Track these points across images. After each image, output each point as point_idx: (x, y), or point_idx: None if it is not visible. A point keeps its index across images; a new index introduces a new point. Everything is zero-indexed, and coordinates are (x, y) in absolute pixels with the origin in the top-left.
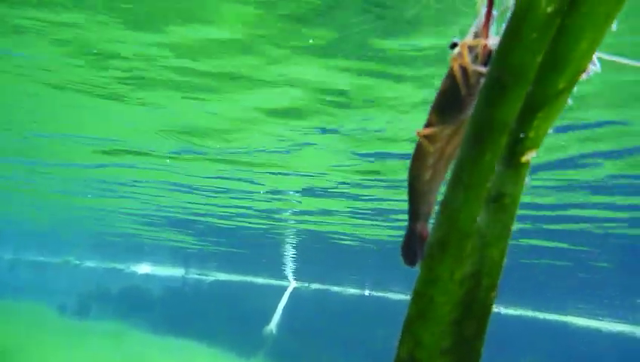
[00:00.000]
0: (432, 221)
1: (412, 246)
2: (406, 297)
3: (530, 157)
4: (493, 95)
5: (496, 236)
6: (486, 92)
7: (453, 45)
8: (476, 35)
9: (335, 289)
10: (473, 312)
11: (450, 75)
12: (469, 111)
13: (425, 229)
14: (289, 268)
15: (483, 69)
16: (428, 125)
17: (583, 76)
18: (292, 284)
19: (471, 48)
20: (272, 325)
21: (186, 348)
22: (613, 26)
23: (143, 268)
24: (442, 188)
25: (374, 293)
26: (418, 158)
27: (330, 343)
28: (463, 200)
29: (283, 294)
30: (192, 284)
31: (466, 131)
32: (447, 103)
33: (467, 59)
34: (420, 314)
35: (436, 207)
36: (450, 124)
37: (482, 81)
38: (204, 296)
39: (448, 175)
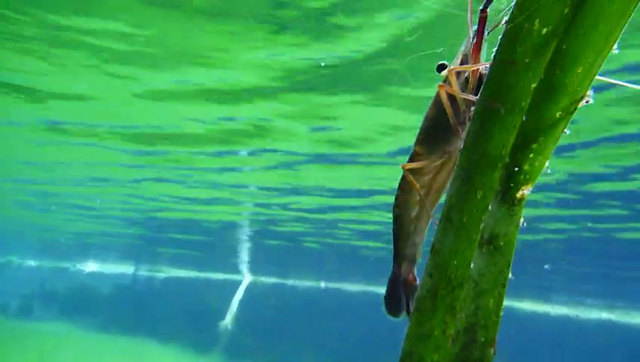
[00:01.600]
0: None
1: (396, 294)
2: (362, 288)
3: (526, 193)
4: (485, 126)
5: (491, 283)
6: (477, 123)
7: (441, 67)
8: (465, 58)
9: (291, 282)
10: None
11: (437, 102)
12: (459, 141)
13: (411, 274)
14: (244, 262)
15: (473, 98)
16: (413, 157)
17: (582, 104)
18: (247, 279)
19: (460, 72)
20: (228, 320)
21: (137, 347)
22: (615, 49)
23: (90, 266)
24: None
25: (330, 285)
26: (403, 194)
27: (286, 336)
28: (454, 244)
29: (238, 289)
30: (144, 282)
31: (456, 166)
32: (434, 133)
33: (456, 86)
34: None
35: (424, 249)
36: (438, 155)
37: (472, 108)
38: (156, 293)
39: (436, 212)
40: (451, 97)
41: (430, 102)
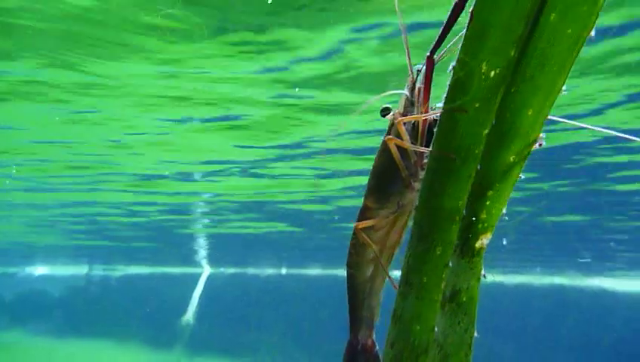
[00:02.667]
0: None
1: None
2: (323, 272)
3: (485, 243)
4: (440, 179)
5: (457, 344)
6: (431, 176)
7: (385, 111)
8: (409, 102)
9: (252, 271)
10: None
11: (385, 152)
12: (413, 193)
13: (369, 339)
14: (202, 255)
15: (424, 149)
16: (364, 211)
17: (535, 147)
18: (206, 271)
19: (405, 115)
20: (189, 314)
21: (93, 349)
22: (564, 90)
23: (40, 270)
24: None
25: (291, 271)
26: (355, 252)
27: (250, 325)
28: (415, 308)
29: (198, 282)
30: (98, 281)
31: (411, 223)
32: (385, 186)
33: (406, 136)
34: None
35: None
36: (391, 209)
37: (425, 157)
38: (112, 293)
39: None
40: (401, 149)
41: (377, 151)
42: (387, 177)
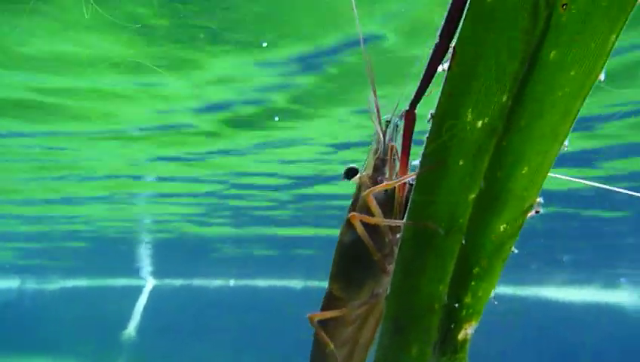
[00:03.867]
0: None
1: None
2: (272, 283)
3: (470, 333)
4: (417, 258)
5: None
6: (406, 254)
7: (350, 172)
8: (380, 162)
9: (198, 282)
10: None
11: (352, 231)
12: (386, 278)
13: None
14: (146, 266)
15: (400, 222)
16: (329, 301)
17: (531, 214)
18: (150, 283)
19: (376, 178)
20: (131, 328)
21: None
22: (566, 145)
23: None
24: None
25: (239, 282)
26: (319, 353)
27: (196, 338)
28: None
29: (141, 294)
30: (31, 295)
31: (383, 316)
32: (354, 271)
33: (377, 210)
34: None
35: None
36: (363, 299)
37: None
38: (48, 307)
39: None
40: (370, 227)
41: (342, 226)
42: (356, 260)
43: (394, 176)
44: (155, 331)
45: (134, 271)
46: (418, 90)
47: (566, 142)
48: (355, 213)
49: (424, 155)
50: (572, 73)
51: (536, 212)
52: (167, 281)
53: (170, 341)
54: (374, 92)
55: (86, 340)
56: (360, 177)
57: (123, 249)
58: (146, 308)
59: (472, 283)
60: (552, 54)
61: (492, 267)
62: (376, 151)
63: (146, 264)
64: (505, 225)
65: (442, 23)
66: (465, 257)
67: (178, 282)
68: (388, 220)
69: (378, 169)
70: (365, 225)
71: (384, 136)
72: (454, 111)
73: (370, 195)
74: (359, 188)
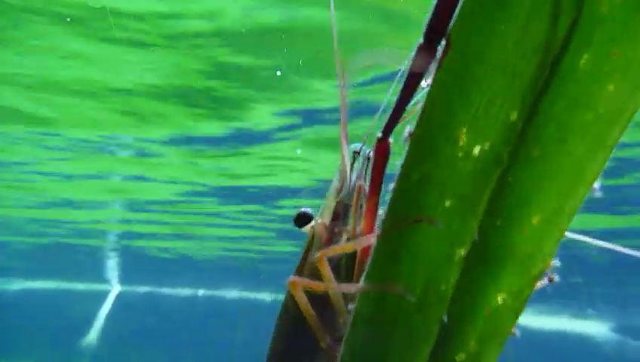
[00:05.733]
0: None
1: None
2: (241, 294)
3: None
4: (371, 347)
5: None
6: (356, 340)
7: (302, 219)
8: (342, 206)
9: (166, 291)
10: None
11: (293, 304)
12: None
13: None
14: (113, 271)
15: (355, 288)
16: None
17: (541, 284)
18: (116, 289)
19: (334, 229)
20: (93, 335)
21: None
22: (596, 187)
23: None
24: None
25: (208, 292)
26: None
27: (160, 347)
28: None
29: (105, 300)
30: None
31: None
32: (291, 357)
33: (327, 273)
34: None
35: None
36: None
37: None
38: (6, 308)
39: None
40: (318, 297)
41: (281, 304)
42: (296, 345)
43: (358, 229)
44: (117, 338)
45: (101, 276)
46: (391, 117)
47: (596, 184)
48: (294, 279)
49: (395, 191)
50: (610, 88)
51: (550, 280)
52: (134, 287)
53: (131, 348)
54: (344, 111)
55: (44, 346)
56: (314, 226)
57: (92, 249)
58: (110, 315)
59: None
60: (584, 59)
61: (484, 353)
62: (338, 193)
63: (114, 269)
64: (504, 296)
65: (431, 12)
66: (446, 340)
67: (145, 289)
68: (341, 284)
69: (339, 216)
70: (311, 297)
71: (350, 171)
72: (442, 130)
73: (324, 259)
74: (311, 241)
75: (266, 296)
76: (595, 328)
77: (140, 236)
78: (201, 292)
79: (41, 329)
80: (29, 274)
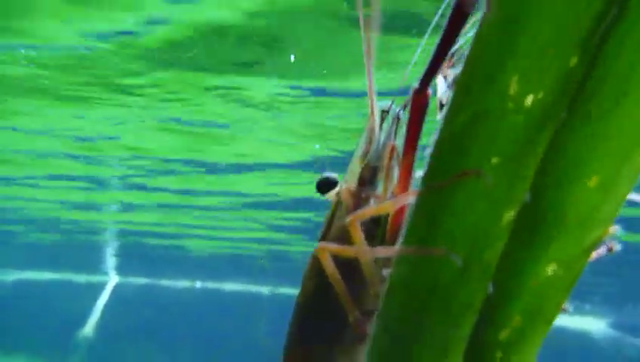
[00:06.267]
0: None
1: None
2: (240, 287)
3: None
4: (409, 319)
5: None
6: (391, 311)
7: (326, 185)
8: (372, 170)
9: (164, 283)
10: None
11: (319, 274)
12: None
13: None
14: (110, 262)
15: (393, 251)
16: None
17: (600, 252)
18: (113, 280)
19: (362, 194)
20: (89, 327)
21: None
22: None
23: None
24: None
25: (206, 285)
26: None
27: (158, 340)
28: None
29: (102, 292)
30: None
31: None
32: (319, 335)
33: (359, 239)
34: None
35: None
36: None
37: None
38: (1, 299)
39: None
40: (347, 264)
41: (305, 269)
42: (322, 319)
43: (389, 193)
44: (114, 331)
45: (99, 267)
46: (434, 58)
47: None
48: (323, 243)
49: (437, 144)
50: None
51: (609, 250)
52: (132, 279)
53: (128, 341)
54: (369, 69)
55: (41, 337)
56: (339, 192)
57: (89, 240)
58: (107, 307)
59: (498, 354)
60: None
61: (529, 330)
62: (365, 155)
63: (111, 260)
64: (554, 267)
65: None
66: (489, 313)
67: (143, 280)
68: (376, 248)
69: (366, 181)
70: (340, 264)
71: (379, 131)
72: (489, 79)
73: (356, 223)
74: (336, 207)
75: (264, 290)
76: (593, 324)
77: (139, 225)
78: (198, 284)
79: (37, 321)
80: (24, 266)
